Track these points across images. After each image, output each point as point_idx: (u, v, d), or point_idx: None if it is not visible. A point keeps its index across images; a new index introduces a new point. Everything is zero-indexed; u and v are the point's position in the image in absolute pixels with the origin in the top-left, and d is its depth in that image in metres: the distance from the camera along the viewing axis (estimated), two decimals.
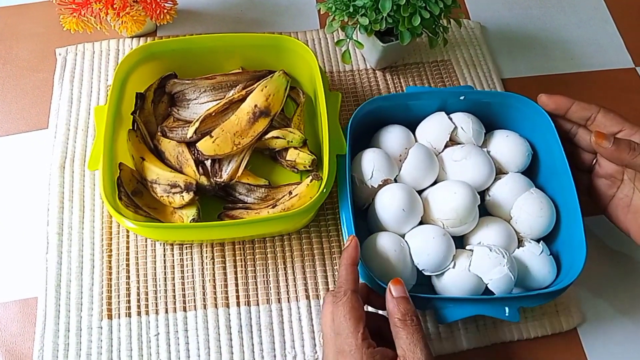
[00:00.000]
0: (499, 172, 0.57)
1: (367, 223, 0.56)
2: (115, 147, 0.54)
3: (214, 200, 0.57)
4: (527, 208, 0.53)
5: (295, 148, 0.58)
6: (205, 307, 0.54)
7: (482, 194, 0.56)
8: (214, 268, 0.55)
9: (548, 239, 0.55)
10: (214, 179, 0.56)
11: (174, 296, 0.54)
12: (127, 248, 0.56)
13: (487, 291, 0.51)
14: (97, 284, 0.54)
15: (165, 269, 0.55)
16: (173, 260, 0.56)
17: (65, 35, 0.66)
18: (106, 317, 0.53)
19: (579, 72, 0.72)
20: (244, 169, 0.57)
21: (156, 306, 0.54)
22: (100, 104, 0.64)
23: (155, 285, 0.54)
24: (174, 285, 0.55)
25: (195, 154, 0.56)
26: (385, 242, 0.51)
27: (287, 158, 0.58)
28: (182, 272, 0.55)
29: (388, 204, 0.52)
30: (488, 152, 0.58)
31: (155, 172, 0.55)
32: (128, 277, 0.55)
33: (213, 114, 0.56)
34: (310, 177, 0.55)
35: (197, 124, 0.55)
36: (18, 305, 0.54)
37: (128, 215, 0.50)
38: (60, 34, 0.66)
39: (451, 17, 0.62)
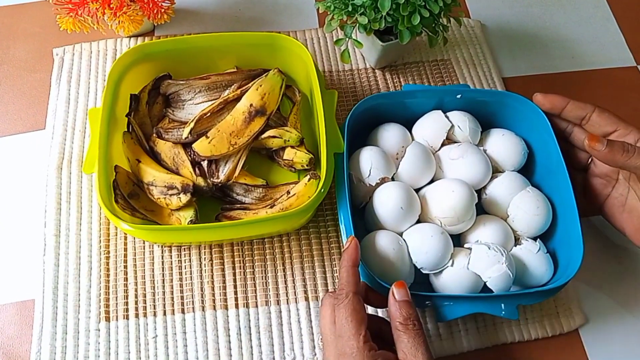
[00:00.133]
0: (495, 170, 0.57)
1: (365, 221, 0.56)
2: (111, 150, 0.54)
3: (212, 202, 0.57)
4: (523, 206, 0.54)
5: (292, 147, 0.58)
6: (203, 309, 0.53)
7: (479, 192, 0.56)
8: (212, 270, 0.55)
9: (544, 237, 0.55)
10: (211, 179, 0.55)
11: (172, 298, 0.54)
12: (125, 250, 0.56)
13: (485, 289, 0.51)
14: (95, 286, 0.54)
15: (163, 270, 0.55)
16: (171, 261, 0.55)
17: (63, 35, 0.65)
18: (104, 320, 0.52)
19: (580, 71, 0.72)
20: (241, 169, 0.56)
21: (154, 308, 0.53)
22: (98, 104, 0.63)
23: (153, 287, 0.54)
24: (172, 287, 0.54)
25: (191, 155, 0.56)
26: (383, 240, 0.51)
27: (284, 157, 0.58)
28: (180, 273, 0.55)
29: (386, 202, 0.52)
30: (484, 150, 0.58)
31: (152, 174, 0.54)
32: (126, 279, 0.54)
33: (208, 114, 0.56)
34: (308, 176, 0.55)
35: (192, 125, 0.55)
36: (15, 308, 0.54)
37: (125, 218, 0.50)
38: (58, 34, 0.66)
39: (451, 15, 0.61)
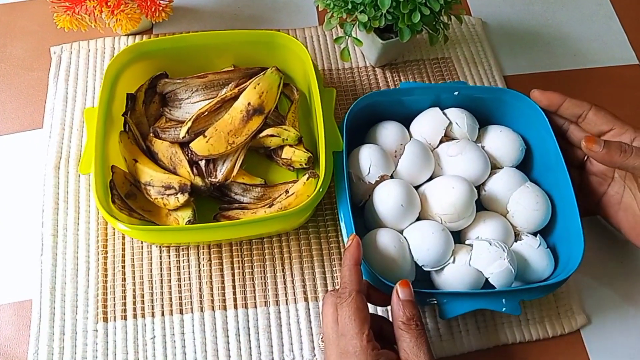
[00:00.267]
0: (494, 167, 0.57)
1: (364, 220, 0.56)
2: (107, 150, 0.53)
3: (210, 201, 0.57)
4: (523, 202, 0.54)
5: (291, 146, 0.57)
6: (202, 310, 0.53)
7: (478, 189, 0.56)
8: (210, 270, 0.55)
9: (544, 233, 0.55)
10: (209, 179, 0.55)
11: (171, 298, 0.53)
12: (123, 250, 0.55)
13: (487, 286, 0.51)
14: (93, 286, 0.54)
15: (161, 270, 0.55)
16: (169, 262, 0.55)
17: (60, 33, 0.65)
18: (102, 320, 0.52)
19: (581, 69, 0.71)
20: (239, 169, 0.56)
21: (152, 309, 0.53)
22: (96, 103, 0.63)
23: (152, 287, 0.54)
24: (170, 288, 0.54)
25: (189, 155, 0.55)
26: (384, 238, 0.51)
27: (282, 156, 0.58)
28: (179, 274, 0.55)
29: (386, 200, 0.52)
30: (482, 147, 0.58)
31: (149, 173, 0.54)
32: (124, 279, 0.54)
33: (206, 113, 0.55)
34: (307, 175, 0.54)
35: (189, 124, 0.54)
36: (12, 308, 0.53)
37: (122, 219, 0.49)
38: (55, 32, 0.65)
39: (452, 13, 0.61)
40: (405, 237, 0.52)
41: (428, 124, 0.58)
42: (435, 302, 0.48)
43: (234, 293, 0.54)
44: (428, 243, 0.50)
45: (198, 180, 0.54)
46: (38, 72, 0.66)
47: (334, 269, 0.56)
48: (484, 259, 0.50)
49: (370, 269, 0.48)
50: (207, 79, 0.59)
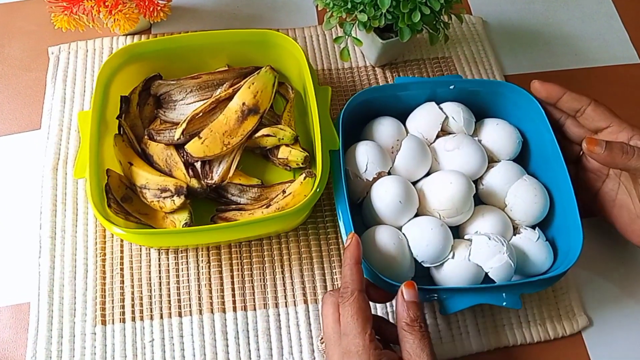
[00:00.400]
0: (491, 160, 0.57)
1: (362, 217, 0.56)
2: (102, 153, 0.53)
3: (206, 203, 0.56)
4: (521, 195, 0.54)
5: (287, 145, 0.57)
6: (200, 313, 0.53)
7: (476, 183, 0.56)
8: (209, 272, 0.54)
9: (543, 226, 0.55)
10: (205, 181, 0.55)
11: (169, 301, 0.53)
12: (121, 252, 0.55)
13: (486, 280, 0.51)
14: (91, 288, 0.53)
15: (160, 273, 0.54)
16: (168, 264, 0.55)
17: (58, 33, 0.64)
18: (100, 323, 0.52)
19: (583, 68, 0.71)
20: (235, 170, 0.56)
21: (151, 311, 0.53)
22: None
23: (150, 290, 0.54)
24: (169, 290, 0.54)
25: (184, 157, 0.55)
26: (383, 235, 0.51)
27: (278, 156, 0.57)
28: (177, 276, 0.54)
29: (384, 197, 0.52)
30: (479, 140, 0.58)
31: (144, 176, 0.54)
32: (122, 282, 0.54)
33: (200, 114, 0.55)
34: (304, 175, 0.54)
35: (184, 125, 0.54)
36: (10, 311, 0.53)
37: (118, 223, 0.49)
38: (53, 32, 0.65)
39: (452, 12, 0.61)
40: (404, 234, 0.52)
41: (424, 118, 0.58)
42: (437, 298, 0.48)
43: (233, 295, 0.54)
44: (427, 239, 0.50)
45: (194, 182, 0.54)
46: (36, 72, 0.66)
47: (334, 271, 0.55)
48: (484, 254, 0.49)
49: (369, 266, 0.48)
50: (201, 79, 0.58)
